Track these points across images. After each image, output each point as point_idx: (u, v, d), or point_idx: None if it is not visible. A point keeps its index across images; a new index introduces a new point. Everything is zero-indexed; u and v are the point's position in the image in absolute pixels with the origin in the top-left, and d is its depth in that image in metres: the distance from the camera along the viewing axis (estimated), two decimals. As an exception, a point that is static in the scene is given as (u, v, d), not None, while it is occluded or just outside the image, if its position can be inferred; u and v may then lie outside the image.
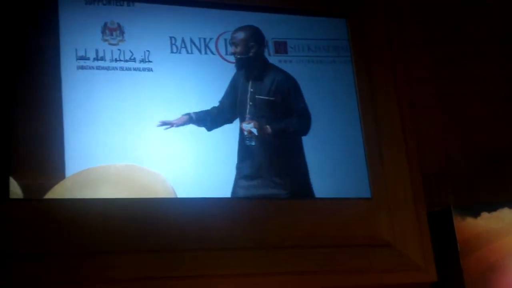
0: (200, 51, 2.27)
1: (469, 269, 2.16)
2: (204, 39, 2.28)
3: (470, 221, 2.21)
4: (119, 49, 2.17)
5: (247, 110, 2.23)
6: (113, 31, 2.18)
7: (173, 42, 2.24)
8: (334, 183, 2.24)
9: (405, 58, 2.46)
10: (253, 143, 2.20)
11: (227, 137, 2.20)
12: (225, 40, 2.30)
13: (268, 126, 2.22)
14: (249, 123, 2.21)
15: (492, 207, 2.24)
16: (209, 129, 2.17)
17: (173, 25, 2.26)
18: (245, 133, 2.20)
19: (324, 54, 2.40)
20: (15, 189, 1.91)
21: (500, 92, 2.62)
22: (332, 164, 2.26)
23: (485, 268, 2.18)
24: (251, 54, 2.28)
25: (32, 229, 1.86)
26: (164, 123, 2.12)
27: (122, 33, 2.19)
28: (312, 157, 2.25)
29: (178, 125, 2.15)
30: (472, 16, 2.68)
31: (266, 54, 2.33)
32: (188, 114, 2.16)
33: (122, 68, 2.16)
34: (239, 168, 2.17)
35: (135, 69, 2.18)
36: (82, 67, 2.11)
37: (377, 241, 2.16)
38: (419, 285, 2.18)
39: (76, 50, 2.12)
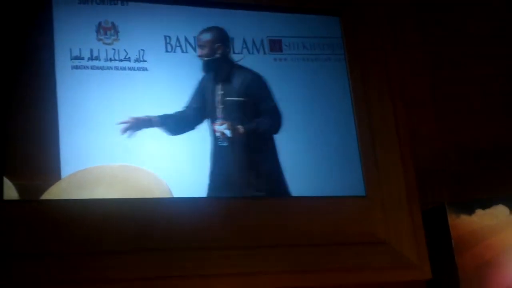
0: (194, 49, 2.26)
1: (463, 266, 2.17)
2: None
3: (464, 218, 2.22)
4: (113, 49, 2.17)
5: (218, 113, 2.20)
6: (107, 31, 2.18)
7: (168, 41, 2.24)
8: (329, 181, 2.24)
9: (399, 56, 2.46)
10: (225, 144, 2.17)
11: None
12: (220, 38, 2.31)
13: (240, 127, 2.20)
14: (221, 124, 2.18)
15: (486, 204, 2.25)
16: (172, 133, 2.14)
17: (168, 24, 2.25)
18: (217, 134, 2.17)
19: (319, 52, 2.40)
20: (11, 191, 1.91)
21: (494, 89, 2.62)
22: (326, 163, 2.26)
23: (480, 264, 2.19)
24: (217, 55, 2.25)
25: (29, 230, 1.86)
26: (124, 129, 2.08)
27: (116, 32, 2.19)
28: (306, 155, 2.25)
29: (137, 128, 2.10)
30: (465, 12, 2.68)
31: (260, 52, 2.33)
32: (149, 117, 2.12)
33: (116, 68, 2.16)
34: (213, 169, 2.14)
35: (129, 69, 2.18)
36: (76, 67, 2.11)
37: (372, 239, 2.17)
38: (414, 282, 2.19)
39: (70, 50, 2.12)
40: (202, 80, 2.22)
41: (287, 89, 2.32)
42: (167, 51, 2.23)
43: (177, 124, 2.15)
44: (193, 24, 2.28)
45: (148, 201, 2.04)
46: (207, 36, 2.26)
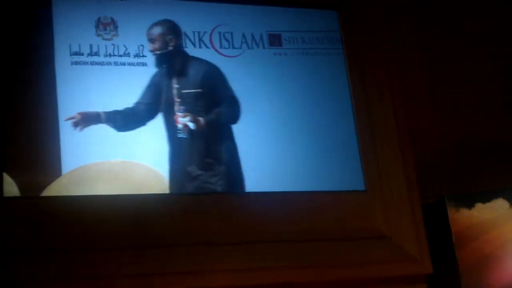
0: (194, 44, 2.26)
1: (464, 260, 2.17)
2: (198, 32, 2.28)
3: (464, 212, 2.22)
4: (113, 44, 2.17)
5: (176, 107, 2.16)
6: (106, 26, 2.18)
7: (167, 36, 2.24)
8: (328, 176, 2.24)
9: (397, 50, 2.46)
10: (185, 136, 2.14)
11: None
12: (219, 33, 2.30)
13: (201, 118, 2.17)
14: (184, 116, 2.15)
15: (486, 198, 2.25)
16: (120, 130, 2.10)
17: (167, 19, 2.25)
18: (179, 125, 2.14)
19: (319, 46, 2.40)
20: (12, 187, 1.91)
21: (492, 83, 2.62)
22: (326, 157, 2.26)
23: (480, 258, 2.19)
24: (170, 48, 2.21)
25: (29, 227, 1.86)
26: (72, 125, 2.05)
27: (115, 27, 2.19)
28: (305, 150, 2.25)
29: (85, 124, 2.05)
30: (462, 8, 2.68)
31: (260, 47, 2.32)
32: (97, 112, 2.09)
33: (116, 63, 2.16)
34: (173, 162, 2.11)
35: (129, 64, 2.18)
36: (76, 63, 2.11)
37: (372, 233, 2.17)
38: (415, 276, 2.19)
39: (70, 45, 2.12)
40: (154, 75, 2.18)
41: (287, 84, 2.32)
42: (166, 46, 2.23)
43: (126, 120, 2.10)
44: (192, 19, 2.28)
45: (147, 197, 2.04)
46: (157, 30, 2.21)
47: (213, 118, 2.18)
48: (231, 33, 2.31)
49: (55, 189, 1.96)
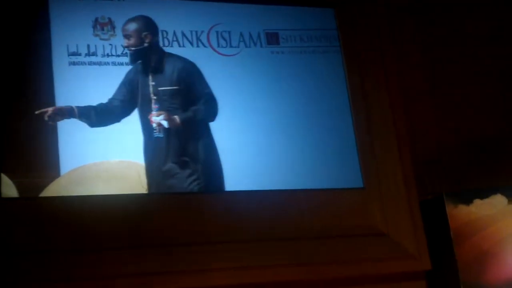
0: (192, 44, 2.27)
1: (462, 256, 2.17)
2: (196, 32, 2.28)
3: (462, 208, 2.22)
4: (110, 44, 2.17)
5: (152, 104, 2.15)
6: (104, 26, 2.18)
7: (165, 35, 2.24)
8: (327, 173, 2.24)
9: (395, 47, 2.46)
10: (161, 135, 2.13)
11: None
12: (217, 32, 2.30)
13: (176, 117, 2.15)
14: (158, 115, 2.13)
15: (484, 194, 2.25)
16: (92, 125, 2.08)
17: (164, 19, 2.25)
18: (154, 125, 2.12)
19: (317, 44, 2.40)
20: (11, 188, 1.92)
21: (490, 80, 2.62)
22: (324, 155, 2.27)
23: (479, 254, 2.19)
24: (145, 44, 2.19)
25: (28, 227, 1.87)
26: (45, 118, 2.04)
27: (113, 27, 2.19)
28: (304, 148, 2.26)
29: (58, 118, 2.04)
30: (463, 8, 2.68)
31: (258, 45, 2.33)
32: (71, 107, 2.07)
33: (114, 63, 2.16)
34: (149, 161, 2.10)
35: (127, 64, 2.18)
36: (74, 63, 2.12)
37: (371, 230, 2.18)
38: (413, 273, 2.19)
39: (67, 46, 2.12)
40: (129, 72, 2.17)
41: (285, 82, 2.32)
42: (164, 45, 2.23)
43: (99, 116, 2.09)
44: (189, 19, 2.28)
45: (146, 197, 2.05)
46: (133, 26, 2.19)
47: (189, 116, 2.16)
48: (229, 32, 2.31)
49: (54, 190, 1.96)
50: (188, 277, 1.94)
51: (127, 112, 2.13)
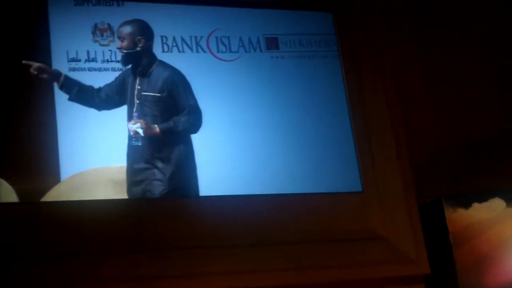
0: (191, 49, 2.27)
1: (461, 260, 2.18)
2: (195, 37, 2.29)
3: (461, 212, 2.23)
4: (110, 50, 2.18)
5: (134, 109, 2.14)
6: (103, 32, 2.18)
7: (164, 41, 2.25)
8: (325, 177, 2.25)
9: (392, 50, 2.47)
10: (139, 143, 2.11)
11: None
12: (216, 37, 2.31)
13: (155, 126, 2.13)
14: (135, 123, 2.12)
15: (482, 198, 2.25)
16: (70, 99, 2.07)
17: (164, 24, 2.26)
18: (131, 133, 2.11)
19: (316, 49, 2.41)
20: (11, 194, 1.93)
21: (489, 82, 2.62)
22: (323, 159, 2.27)
23: (478, 258, 2.20)
24: (138, 48, 2.18)
25: (29, 232, 1.88)
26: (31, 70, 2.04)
27: (112, 33, 2.19)
28: (303, 152, 2.26)
29: (44, 75, 2.05)
30: (462, 8, 2.68)
31: (257, 50, 2.33)
32: (59, 71, 2.08)
33: (114, 69, 2.17)
34: (130, 168, 2.10)
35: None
36: (73, 69, 2.12)
37: (370, 234, 2.18)
38: (412, 277, 2.20)
39: (67, 52, 2.13)
40: (126, 71, 2.18)
41: (284, 87, 2.33)
42: (163, 51, 2.24)
43: (79, 94, 2.09)
44: (189, 24, 2.29)
45: (145, 201, 2.07)
46: (127, 29, 2.19)
47: (170, 126, 2.15)
48: (228, 37, 2.32)
49: (54, 195, 1.97)
50: (183, 282, 1.95)
51: (108, 107, 2.13)
